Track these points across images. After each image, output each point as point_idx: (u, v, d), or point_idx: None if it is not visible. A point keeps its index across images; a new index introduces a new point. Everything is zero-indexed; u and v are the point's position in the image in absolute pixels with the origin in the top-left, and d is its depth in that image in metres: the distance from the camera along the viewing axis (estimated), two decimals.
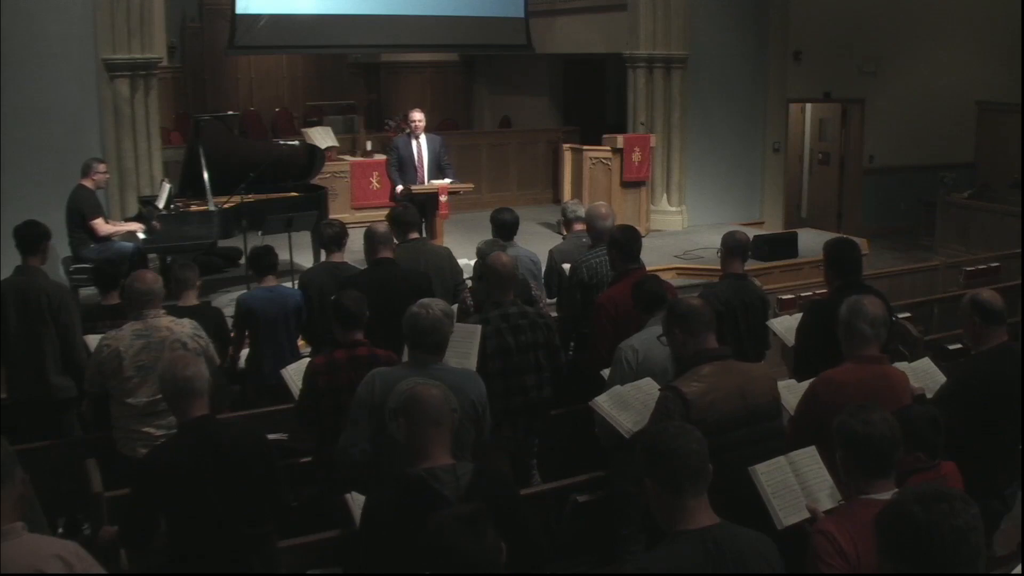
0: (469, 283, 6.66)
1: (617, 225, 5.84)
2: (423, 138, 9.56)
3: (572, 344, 5.87)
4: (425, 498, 3.02)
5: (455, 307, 5.75)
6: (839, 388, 3.84)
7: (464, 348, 4.47)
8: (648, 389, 4.15)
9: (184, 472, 3.44)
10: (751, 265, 5.86)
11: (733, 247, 5.61)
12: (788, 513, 3.50)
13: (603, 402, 4.33)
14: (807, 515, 3.42)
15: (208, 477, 3.45)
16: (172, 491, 3.43)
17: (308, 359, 4.85)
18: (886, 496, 2.94)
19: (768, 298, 5.74)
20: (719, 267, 5.93)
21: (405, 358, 4.15)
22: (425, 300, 4.10)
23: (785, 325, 5.38)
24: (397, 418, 3.77)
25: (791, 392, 4.55)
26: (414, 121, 9.53)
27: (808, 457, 3.65)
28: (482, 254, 6.25)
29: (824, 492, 3.55)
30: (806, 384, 4.55)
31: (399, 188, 9.44)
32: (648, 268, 5.89)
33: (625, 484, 4.29)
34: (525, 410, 4.95)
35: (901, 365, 4.73)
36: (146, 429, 4.71)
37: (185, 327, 4.89)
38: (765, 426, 3.71)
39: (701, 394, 3.58)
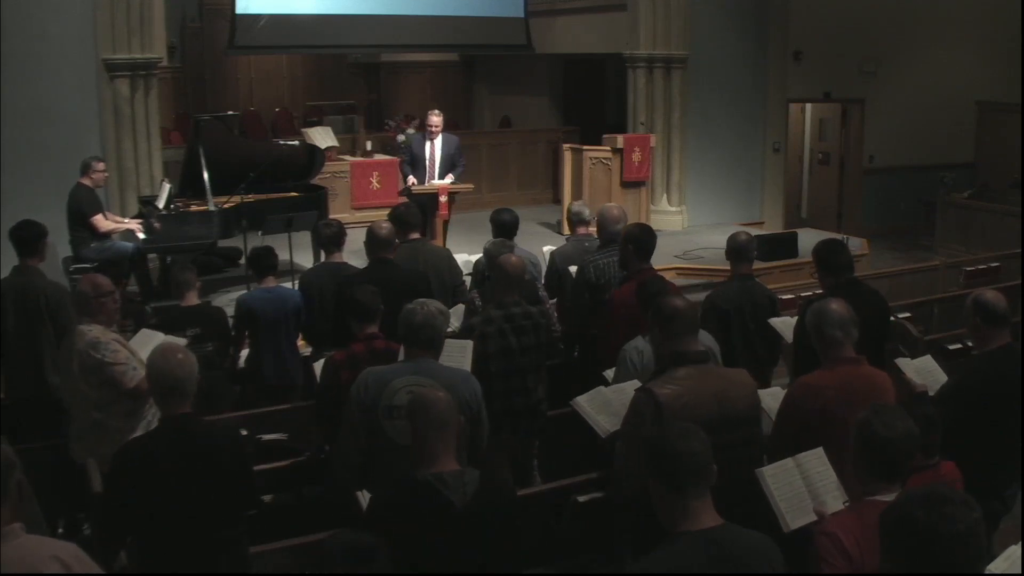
0: (468, 280, 6.66)
1: (635, 223, 5.82)
2: (439, 139, 9.56)
3: (576, 345, 5.87)
4: (432, 503, 3.02)
5: (462, 307, 5.74)
6: (818, 391, 3.82)
7: (456, 362, 4.45)
8: (630, 392, 4.15)
9: (156, 465, 3.42)
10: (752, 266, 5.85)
11: (740, 248, 5.60)
12: (795, 516, 3.49)
13: (584, 402, 4.39)
14: (814, 518, 3.41)
15: (180, 473, 3.42)
16: (142, 483, 3.41)
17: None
18: (891, 498, 2.93)
19: (777, 298, 5.74)
20: (719, 267, 5.94)
21: (400, 357, 4.16)
22: (421, 299, 4.10)
23: (784, 322, 5.39)
24: (393, 417, 3.78)
25: (775, 399, 4.54)
26: (433, 125, 9.51)
27: (815, 459, 3.63)
28: (490, 255, 6.23)
29: (831, 494, 3.54)
30: None
31: (410, 180, 9.44)
32: (654, 268, 5.88)
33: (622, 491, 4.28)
34: (526, 411, 4.95)
35: (903, 363, 4.73)
36: (71, 430, 4.73)
37: (83, 340, 4.59)
38: (742, 432, 3.63)
39: (674, 397, 3.53)
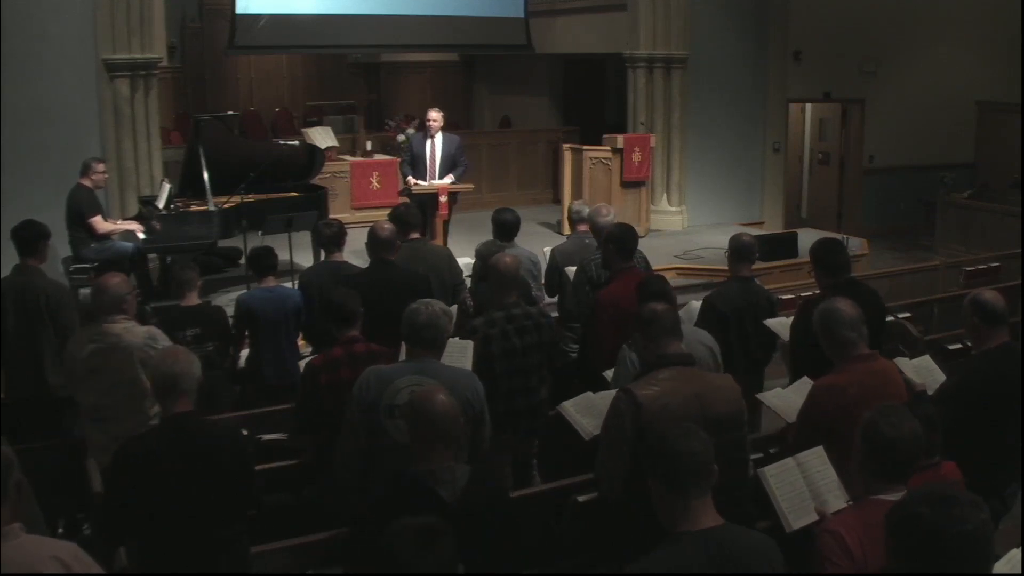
0: (468, 282, 6.66)
1: (616, 223, 5.85)
2: (439, 137, 9.52)
3: (573, 345, 5.87)
4: (424, 498, 3.02)
5: (455, 308, 5.75)
6: (840, 392, 3.81)
7: (457, 363, 4.46)
8: None
9: (157, 464, 3.42)
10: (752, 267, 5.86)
11: (740, 250, 5.61)
12: (798, 516, 3.49)
13: (569, 406, 4.45)
14: (816, 517, 3.41)
15: (180, 472, 3.43)
16: (143, 482, 3.42)
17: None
18: (896, 498, 2.92)
19: (776, 299, 5.74)
20: (719, 267, 5.94)
21: (402, 357, 4.16)
22: (425, 299, 4.11)
23: (780, 322, 5.39)
24: (394, 416, 3.79)
25: (779, 399, 4.55)
26: (431, 120, 9.47)
27: (816, 458, 3.64)
28: (481, 256, 6.24)
29: (832, 494, 3.54)
30: (793, 389, 4.55)
31: (410, 180, 9.42)
32: (636, 267, 5.88)
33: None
34: (528, 411, 4.95)
35: (902, 363, 4.74)
36: (94, 434, 4.67)
37: (137, 336, 4.64)
38: (725, 436, 3.57)
39: (654, 398, 3.51)
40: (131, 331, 4.66)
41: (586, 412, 4.40)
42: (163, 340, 4.73)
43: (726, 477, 3.45)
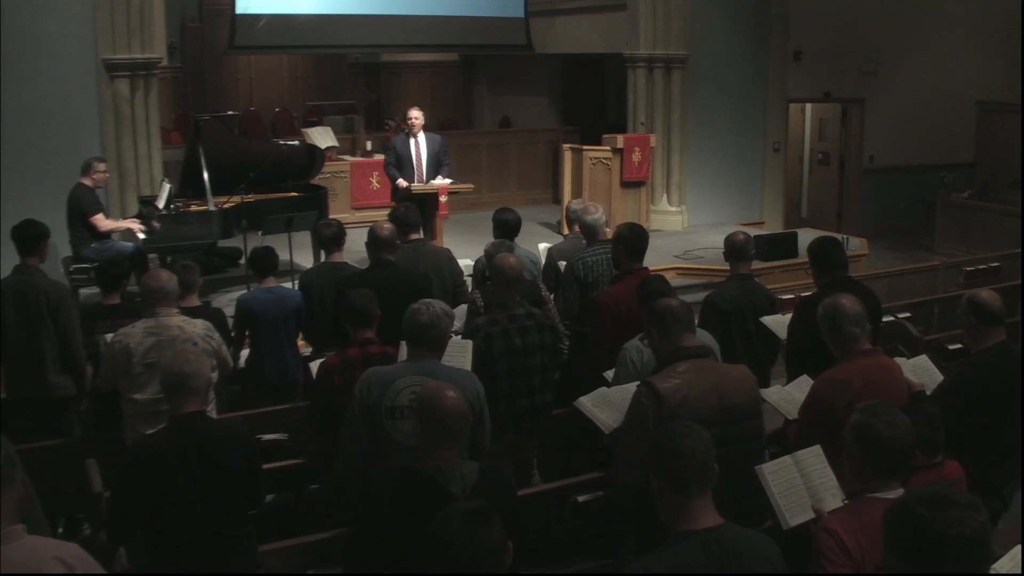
0: (469, 282, 6.66)
1: (626, 223, 5.85)
2: (421, 137, 9.50)
3: (567, 343, 5.87)
4: (431, 493, 3.04)
5: (464, 308, 5.75)
6: (844, 386, 3.83)
7: (457, 362, 4.46)
8: (632, 389, 4.15)
9: (165, 464, 3.44)
10: (751, 265, 5.86)
11: (736, 248, 5.61)
12: (794, 514, 3.50)
13: (586, 401, 4.44)
14: (813, 515, 3.42)
15: (189, 472, 3.45)
16: (152, 482, 3.43)
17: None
18: (893, 496, 2.92)
19: (776, 298, 5.75)
20: (719, 267, 5.94)
21: (402, 357, 4.16)
22: (427, 299, 4.11)
23: (776, 320, 5.40)
24: (395, 417, 3.79)
25: (780, 395, 4.56)
26: (411, 118, 9.46)
27: (813, 457, 3.65)
28: (491, 256, 6.23)
29: (829, 492, 3.55)
30: (794, 386, 4.56)
31: (400, 182, 9.41)
32: (648, 268, 5.89)
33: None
34: (530, 412, 4.95)
35: (900, 362, 4.74)
36: (145, 430, 4.65)
37: (197, 327, 4.85)
38: (742, 426, 3.67)
39: (674, 390, 3.58)
40: (191, 323, 4.83)
41: (603, 406, 4.37)
42: (216, 333, 4.94)
43: (743, 468, 3.52)
